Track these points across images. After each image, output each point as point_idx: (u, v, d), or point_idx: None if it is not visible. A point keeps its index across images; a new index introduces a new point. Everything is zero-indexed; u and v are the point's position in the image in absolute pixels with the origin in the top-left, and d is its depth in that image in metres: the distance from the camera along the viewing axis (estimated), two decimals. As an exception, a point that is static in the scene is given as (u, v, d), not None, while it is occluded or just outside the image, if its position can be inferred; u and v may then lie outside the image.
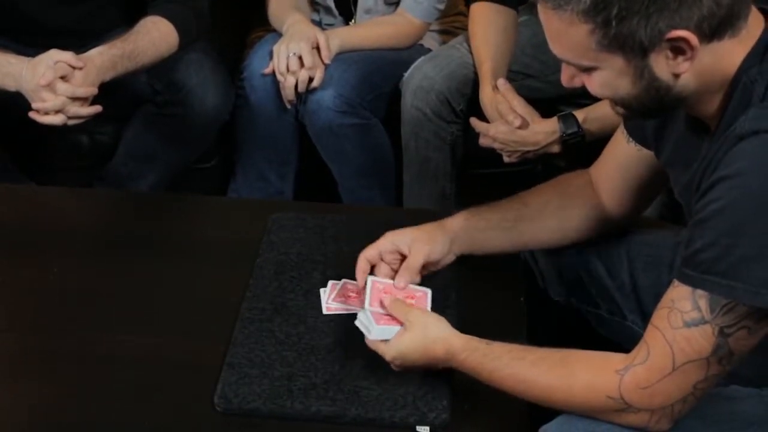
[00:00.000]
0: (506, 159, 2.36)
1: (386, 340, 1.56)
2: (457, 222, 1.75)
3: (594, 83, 1.41)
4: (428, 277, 1.75)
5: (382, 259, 1.72)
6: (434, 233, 1.73)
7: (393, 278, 1.70)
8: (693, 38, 1.31)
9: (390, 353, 1.55)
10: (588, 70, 1.39)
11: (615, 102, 1.45)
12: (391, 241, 1.72)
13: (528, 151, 2.33)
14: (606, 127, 2.14)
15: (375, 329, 1.57)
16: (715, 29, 1.32)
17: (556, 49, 1.40)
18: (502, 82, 2.37)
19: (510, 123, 2.31)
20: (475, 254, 1.76)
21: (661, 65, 1.35)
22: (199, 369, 1.63)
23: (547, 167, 2.34)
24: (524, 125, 2.31)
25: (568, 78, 1.44)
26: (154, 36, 2.33)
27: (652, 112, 1.46)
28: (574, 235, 1.79)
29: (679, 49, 1.33)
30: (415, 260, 1.70)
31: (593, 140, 2.23)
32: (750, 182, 1.29)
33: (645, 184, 1.72)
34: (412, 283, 1.70)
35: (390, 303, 1.60)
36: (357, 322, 1.61)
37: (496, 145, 2.34)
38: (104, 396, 1.59)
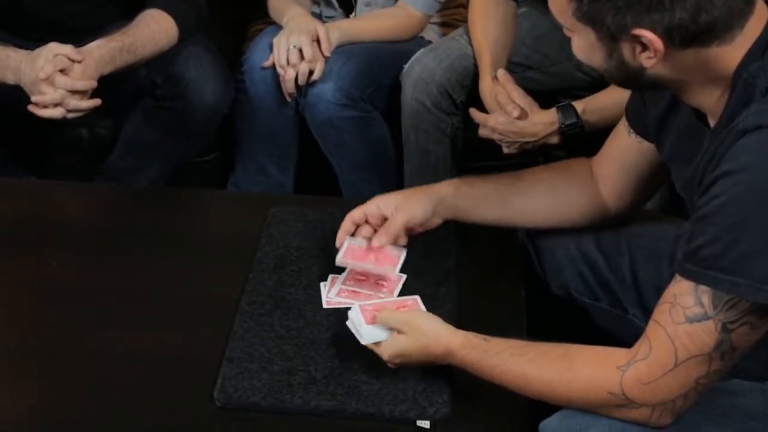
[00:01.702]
0: (505, 150, 2.36)
1: (380, 341, 1.55)
2: (446, 188, 1.79)
3: (574, 46, 1.43)
4: (427, 269, 1.74)
5: (367, 222, 1.77)
6: (418, 199, 1.78)
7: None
8: (657, 42, 1.32)
9: (387, 353, 1.55)
10: (570, 30, 1.41)
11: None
12: (376, 204, 1.77)
13: (527, 142, 2.33)
14: (605, 118, 2.15)
15: (365, 331, 1.56)
16: (689, 40, 1.32)
17: (549, 2, 1.43)
18: (501, 73, 2.37)
19: (509, 113, 2.31)
20: (464, 221, 1.80)
21: (629, 54, 1.36)
22: (198, 363, 1.63)
23: (548, 160, 2.34)
24: (523, 116, 2.31)
25: (566, 30, 1.44)
26: (154, 29, 2.32)
27: (629, 87, 1.50)
28: (564, 218, 1.79)
29: (645, 45, 1.33)
30: (394, 224, 1.75)
31: (592, 131, 2.23)
32: (753, 177, 1.29)
33: (645, 178, 1.71)
34: (388, 244, 1.74)
35: (378, 317, 1.57)
36: (348, 323, 1.60)
37: (495, 136, 2.34)
38: (103, 391, 1.59)
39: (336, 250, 1.80)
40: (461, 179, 1.81)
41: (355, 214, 1.78)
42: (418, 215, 1.77)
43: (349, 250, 1.74)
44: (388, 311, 1.58)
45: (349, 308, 1.63)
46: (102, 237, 1.96)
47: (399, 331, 1.54)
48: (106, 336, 1.69)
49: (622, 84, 1.48)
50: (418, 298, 1.67)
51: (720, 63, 1.35)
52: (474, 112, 2.37)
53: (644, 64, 1.36)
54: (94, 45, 2.25)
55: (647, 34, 1.31)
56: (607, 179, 1.75)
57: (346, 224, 1.77)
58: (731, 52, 1.35)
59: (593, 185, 1.76)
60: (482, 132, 2.36)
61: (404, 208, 1.77)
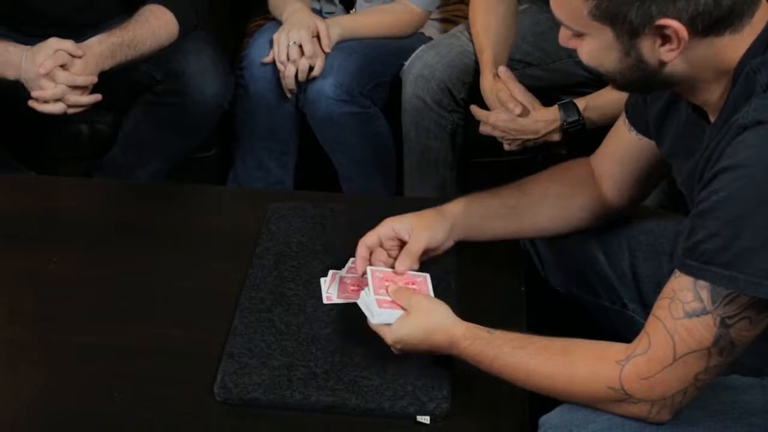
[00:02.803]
0: (506, 147, 2.35)
1: (389, 324, 1.55)
2: (456, 208, 1.75)
3: (583, 50, 1.41)
4: (428, 265, 1.74)
5: (381, 246, 1.72)
6: (434, 220, 1.74)
7: (391, 265, 1.69)
8: (682, 30, 1.31)
9: (391, 337, 1.55)
10: (580, 35, 1.39)
11: (601, 74, 1.44)
12: (391, 227, 1.72)
13: (528, 140, 2.33)
14: (607, 116, 2.15)
15: (377, 312, 1.56)
16: (710, 27, 1.32)
17: (553, 7, 1.41)
18: (503, 70, 2.37)
19: (510, 111, 2.31)
20: (474, 240, 1.77)
21: (649, 49, 1.35)
22: (198, 359, 1.63)
23: (548, 157, 2.34)
24: (524, 113, 2.31)
25: (564, 38, 1.44)
26: (154, 24, 2.33)
27: (637, 89, 1.47)
28: (573, 224, 1.78)
29: (667, 37, 1.33)
30: (416, 246, 1.70)
31: (594, 128, 2.23)
32: (753, 173, 1.28)
33: (645, 173, 1.71)
34: (411, 269, 1.69)
35: (393, 291, 1.59)
36: (359, 302, 1.60)
37: (496, 133, 2.34)
38: (103, 386, 1.59)
39: (336, 247, 1.80)
40: (468, 197, 1.77)
41: (369, 239, 1.71)
42: (437, 237, 1.72)
43: (375, 280, 1.64)
44: (402, 289, 1.58)
45: (347, 303, 1.63)
46: (102, 232, 1.96)
47: (407, 311, 1.54)
48: (106, 331, 1.69)
49: (632, 86, 1.45)
50: (428, 276, 1.66)
51: (727, 54, 1.35)
52: (475, 109, 2.37)
53: (664, 57, 1.34)
54: (94, 40, 2.26)
55: (673, 23, 1.30)
56: (607, 175, 1.75)
57: (362, 250, 1.70)
58: (738, 43, 1.35)
59: (595, 186, 1.76)
60: (483, 129, 2.35)
61: (422, 229, 1.71)
